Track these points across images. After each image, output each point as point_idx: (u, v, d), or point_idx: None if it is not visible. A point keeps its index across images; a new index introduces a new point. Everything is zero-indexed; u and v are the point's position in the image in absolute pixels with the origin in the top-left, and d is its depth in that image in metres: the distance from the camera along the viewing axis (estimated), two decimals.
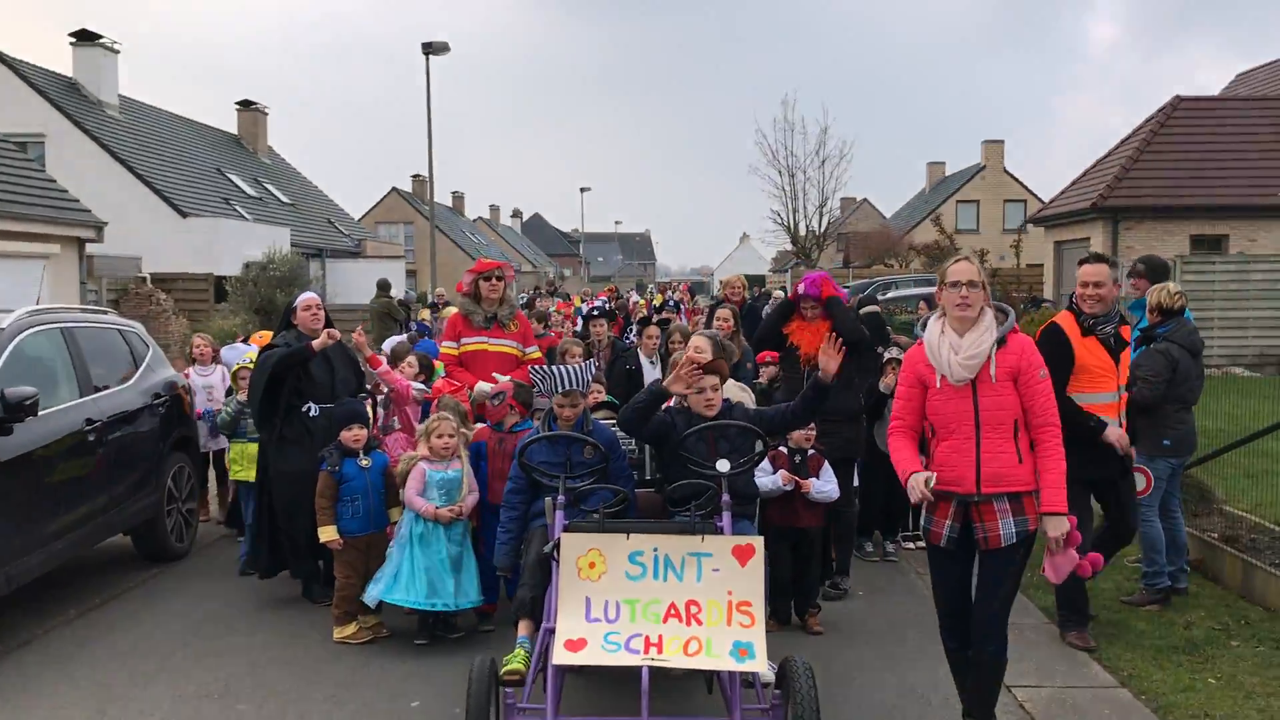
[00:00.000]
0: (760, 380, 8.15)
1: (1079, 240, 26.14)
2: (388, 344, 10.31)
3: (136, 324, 9.11)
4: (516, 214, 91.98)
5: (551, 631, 4.55)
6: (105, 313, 8.86)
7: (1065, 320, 6.00)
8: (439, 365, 7.87)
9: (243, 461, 8.01)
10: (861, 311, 8.60)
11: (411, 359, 7.82)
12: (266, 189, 35.79)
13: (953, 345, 4.51)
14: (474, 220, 75.92)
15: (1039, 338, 5.70)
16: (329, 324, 7.23)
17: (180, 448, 8.57)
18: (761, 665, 4.37)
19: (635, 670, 4.34)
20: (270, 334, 7.91)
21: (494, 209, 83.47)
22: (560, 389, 5.67)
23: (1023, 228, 35.75)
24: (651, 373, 8.86)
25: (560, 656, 4.35)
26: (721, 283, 11.86)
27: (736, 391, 6.68)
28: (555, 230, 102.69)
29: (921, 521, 4.81)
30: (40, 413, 6.48)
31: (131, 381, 8.12)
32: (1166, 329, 6.68)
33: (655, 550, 4.53)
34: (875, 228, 55.71)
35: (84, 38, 29.62)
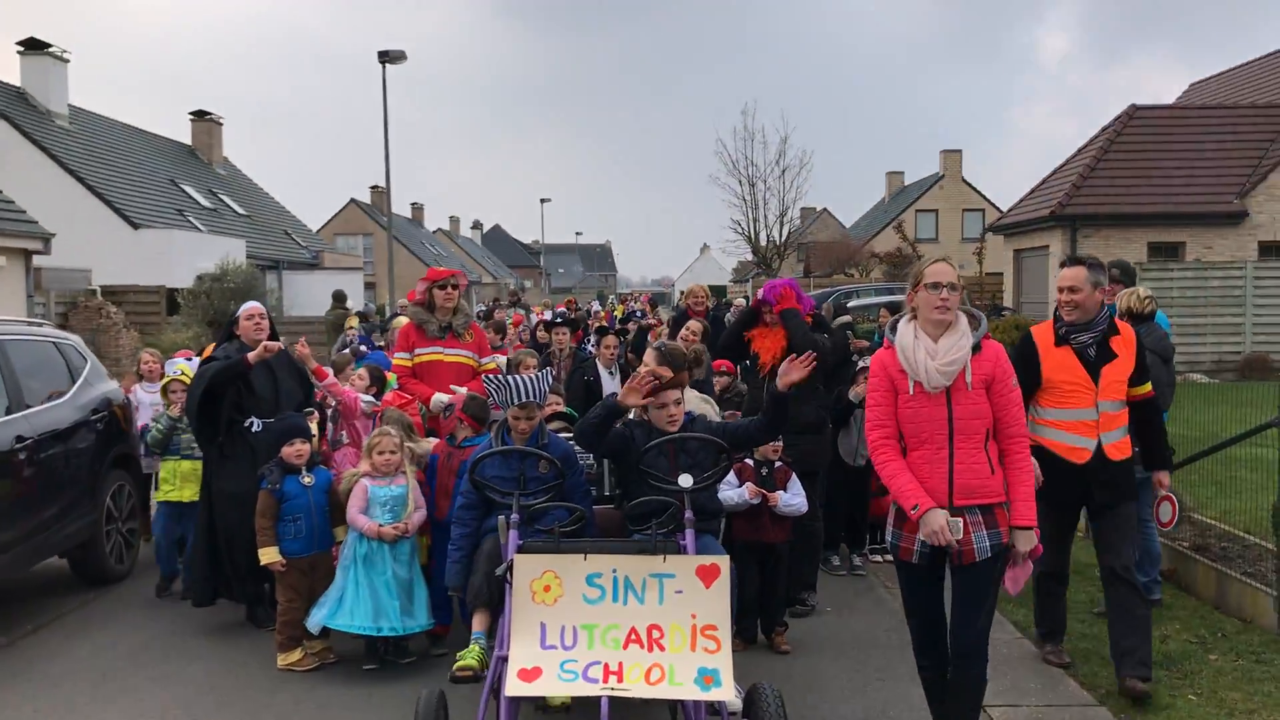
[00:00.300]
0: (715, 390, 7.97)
1: (1038, 248, 26.25)
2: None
3: (74, 336, 8.74)
4: (477, 225, 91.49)
5: (504, 660, 4.27)
6: (40, 325, 8.47)
7: (1040, 330, 5.65)
8: (391, 377, 7.57)
9: (174, 480, 7.43)
10: (836, 322, 8.45)
11: (362, 371, 7.52)
12: (221, 200, 35.21)
13: (929, 350, 4.29)
14: (434, 232, 75.41)
15: (1013, 347, 5.46)
16: (274, 335, 6.93)
17: (120, 465, 8.17)
18: (728, 693, 4.12)
19: (594, 700, 4.08)
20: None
21: (454, 220, 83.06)
22: (516, 401, 5.42)
23: (983, 236, 35.88)
24: (610, 384, 8.63)
25: (513, 687, 4.08)
26: (683, 293, 11.53)
27: (699, 403, 6.45)
28: (516, 242, 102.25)
29: (889, 536, 4.59)
30: None
31: (68, 396, 7.75)
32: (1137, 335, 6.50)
33: (614, 571, 4.27)
34: (835, 237, 55.81)
35: (32, 46, 28.93)
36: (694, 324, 9.11)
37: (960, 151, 56.52)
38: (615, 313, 23.41)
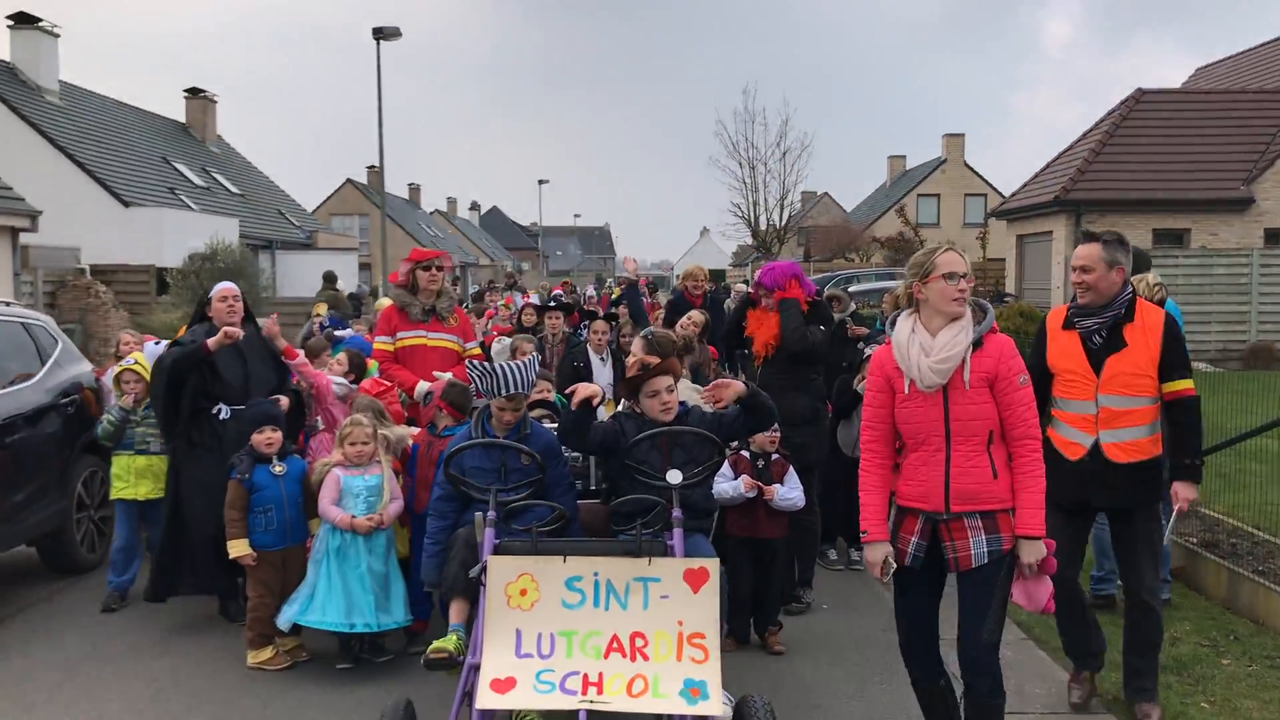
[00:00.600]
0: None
1: (1041, 234, 25.93)
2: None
3: (45, 317, 8.44)
4: (474, 207, 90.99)
5: (476, 669, 3.99)
6: (8, 304, 8.15)
7: (1055, 313, 5.18)
8: (372, 363, 7.27)
9: (128, 477, 6.86)
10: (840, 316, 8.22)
11: (341, 356, 7.22)
12: (215, 179, 34.81)
13: (923, 346, 3.99)
14: (431, 213, 74.91)
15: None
16: (251, 318, 6.63)
17: (92, 450, 7.84)
18: (716, 706, 3.83)
19: (572, 714, 3.80)
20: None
21: (451, 201, 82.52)
22: (502, 391, 5.10)
23: (985, 221, 35.58)
24: (600, 369, 8.35)
25: (485, 699, 3.80)
26: (680, 275, 11.22)
27: (692, 394, 6.16)
28: (513, 223, 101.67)
29: None
30: None
31: (36, 379, 7.46)
32: None
33: (596, 575, 3.99)
34: (836, 221, 55.43)
35: (22, 20, 28.51)
36: (695, 315, 8.79)
37: (963, 135, 56.11)
38: (612, 295, 23.11)
